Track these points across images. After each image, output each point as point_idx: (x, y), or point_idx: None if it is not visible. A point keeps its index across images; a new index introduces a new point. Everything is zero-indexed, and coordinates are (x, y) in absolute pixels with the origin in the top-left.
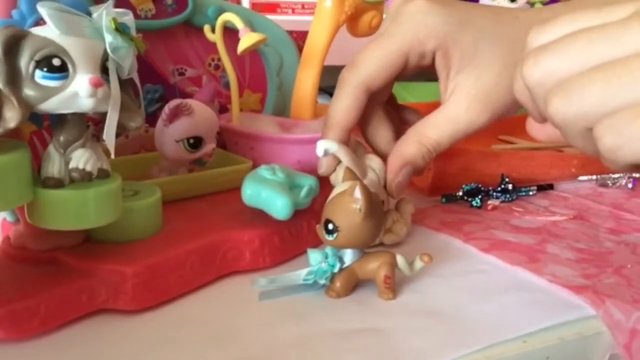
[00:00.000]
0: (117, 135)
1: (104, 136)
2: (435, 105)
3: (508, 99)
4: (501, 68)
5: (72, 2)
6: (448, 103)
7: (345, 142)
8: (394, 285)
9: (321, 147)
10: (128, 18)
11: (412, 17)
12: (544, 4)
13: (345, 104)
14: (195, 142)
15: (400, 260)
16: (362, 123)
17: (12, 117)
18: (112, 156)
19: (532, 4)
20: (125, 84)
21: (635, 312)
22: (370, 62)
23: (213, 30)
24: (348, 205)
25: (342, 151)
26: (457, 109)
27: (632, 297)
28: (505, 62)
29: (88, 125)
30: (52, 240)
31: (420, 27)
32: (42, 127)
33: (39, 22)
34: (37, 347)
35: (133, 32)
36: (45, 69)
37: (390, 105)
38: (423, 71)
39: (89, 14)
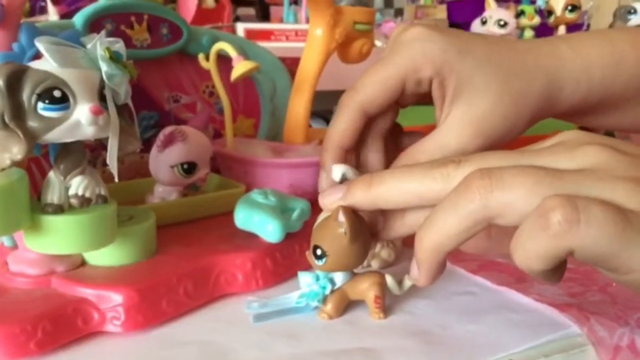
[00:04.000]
0: (118, 159)
1: (107, 161)
2: (429, 129)
3: (504, 125)
4: (496, 97)
5: (67, 35)
6: (439, 129)
7: (342, 161)
8: (384, 305)
9: (338, 171)
10: (119, 46)
11: (411, 44)
12: (534, 28)
13: (342, 125)
14: (189, 168)
15: (389, 280)
16: (357, 146)
17: (20, 150)
18: (116, 179)
19: (522, 29)
20: (122, 110)
21: (619, 329)
22: (367, 87)
23: (207, 58)
24: (334, 230)
25: (351, 173)
26: (447, 135)
27: (615, 314)
28: (500, 92)
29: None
30: (49, 264)
31: (418, 54)
32: (40, 154)
33: (38, 54)
34: None
35: (125, 59)
36: (47, 101)
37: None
38: (423, 100)
39: (83, 45)
